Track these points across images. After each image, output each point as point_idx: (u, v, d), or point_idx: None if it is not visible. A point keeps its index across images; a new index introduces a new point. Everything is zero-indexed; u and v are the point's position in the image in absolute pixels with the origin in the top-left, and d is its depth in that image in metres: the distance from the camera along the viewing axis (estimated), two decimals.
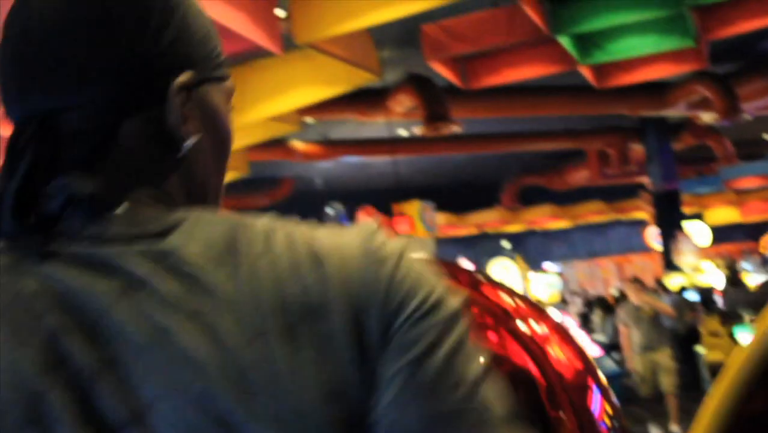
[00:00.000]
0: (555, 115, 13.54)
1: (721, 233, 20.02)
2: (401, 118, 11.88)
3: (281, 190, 17.45)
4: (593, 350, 8.95)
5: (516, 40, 8.04)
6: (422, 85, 10.29)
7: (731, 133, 14.51)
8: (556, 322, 1.29)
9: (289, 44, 6.89)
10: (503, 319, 1.23)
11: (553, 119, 14.59)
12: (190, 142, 0.70)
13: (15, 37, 0.69)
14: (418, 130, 10.83)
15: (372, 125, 13.70)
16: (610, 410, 1.17)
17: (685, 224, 15.35)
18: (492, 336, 1.21)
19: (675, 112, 12.66)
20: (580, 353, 1.24)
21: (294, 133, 11.48)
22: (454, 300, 0.66)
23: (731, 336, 8.83)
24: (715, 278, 13.83)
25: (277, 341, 0.59)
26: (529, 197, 20.36)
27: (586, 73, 9.34)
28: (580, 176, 17.75)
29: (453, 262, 1.41)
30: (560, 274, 19.02)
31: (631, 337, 8.22)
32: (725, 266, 13.80)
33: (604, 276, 23.11)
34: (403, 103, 10.67)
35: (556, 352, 1.20)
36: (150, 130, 0.69)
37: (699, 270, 13.95)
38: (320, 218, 19.07)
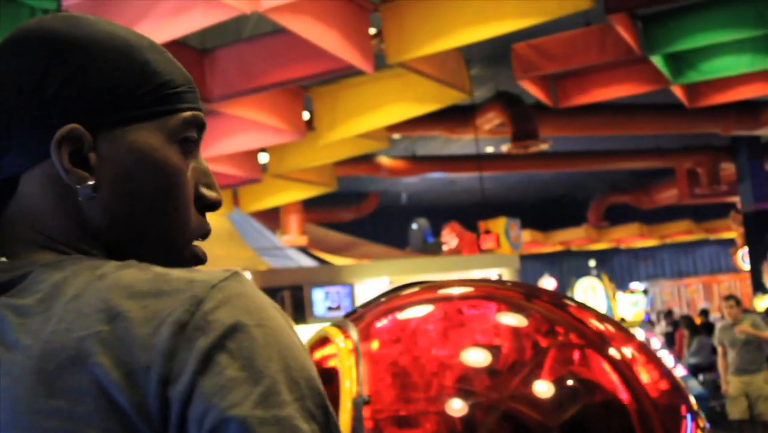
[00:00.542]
0: (644, 133, 13.38)
1: None
2: (489, 136, 11.91)
3: (367, 204, 17.60)
4: (679, 371, 8.79)
5: (607, 60, 8.01)
6: (511, 103, 10.32)
7: None
8: (643, 343, 1.34)
9: (379, 63, 7.02)
10: (596, 343, 1.29)
11: (642, 137, 14.40)
12: (84, 189, 0.71)
13: None
14: (505, 148, 10.84)
15: (458, 142, 13.75)
16: None
17: None
18: (582, 361, 1.27)
19: None
20: (668, 375, 1.28)
21: (381, 149, 11.62)
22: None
23: None
24: None
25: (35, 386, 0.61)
26: (616, 216, 20.11)
27: (678, 92, 9.23)
28: (668, 195, 17.46)
29: (546, 290, 1.48)
30: (645, 292, 18.69)
31: (727, 358, 8.03)
32: None
33: (691, 296, 22.65)
34: (491, 120, 10.72)
35: (644, 375, 1.24)
36: (44, 179, 0.72)
37: None
38: (405, 232, 19.19)
